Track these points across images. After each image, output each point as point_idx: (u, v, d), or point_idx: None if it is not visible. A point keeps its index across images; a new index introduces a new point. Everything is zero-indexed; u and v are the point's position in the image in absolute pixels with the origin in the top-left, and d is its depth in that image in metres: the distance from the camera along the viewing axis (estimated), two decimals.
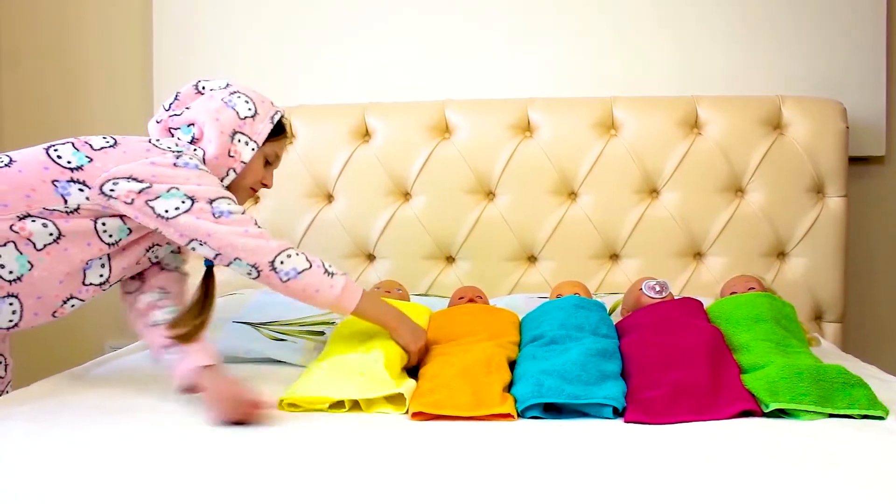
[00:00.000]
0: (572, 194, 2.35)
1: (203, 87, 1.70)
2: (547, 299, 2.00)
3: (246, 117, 1.64)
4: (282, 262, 1.53)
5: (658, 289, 1.88)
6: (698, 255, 2.33)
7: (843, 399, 1.42)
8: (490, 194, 2.38)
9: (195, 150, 1.62)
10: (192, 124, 1.64)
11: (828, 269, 2.26)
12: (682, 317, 1.73)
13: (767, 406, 1.41)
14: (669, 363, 1.55)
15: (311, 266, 1.55)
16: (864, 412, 1.40)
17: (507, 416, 1.44)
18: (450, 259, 2.41)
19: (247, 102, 1.66)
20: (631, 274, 2.30)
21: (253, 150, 1.64)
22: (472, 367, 1.56)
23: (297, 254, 1.56)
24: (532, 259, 2.38)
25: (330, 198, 2.42)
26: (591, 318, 1.76)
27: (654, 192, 2.33)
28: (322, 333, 1.97)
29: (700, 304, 1.84)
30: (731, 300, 1.81)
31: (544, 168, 2.33)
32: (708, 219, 2.29)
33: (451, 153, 2.36)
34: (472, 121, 2.37)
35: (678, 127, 2.29)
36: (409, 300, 2.03)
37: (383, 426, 1.42)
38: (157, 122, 1.69)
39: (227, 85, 1.69)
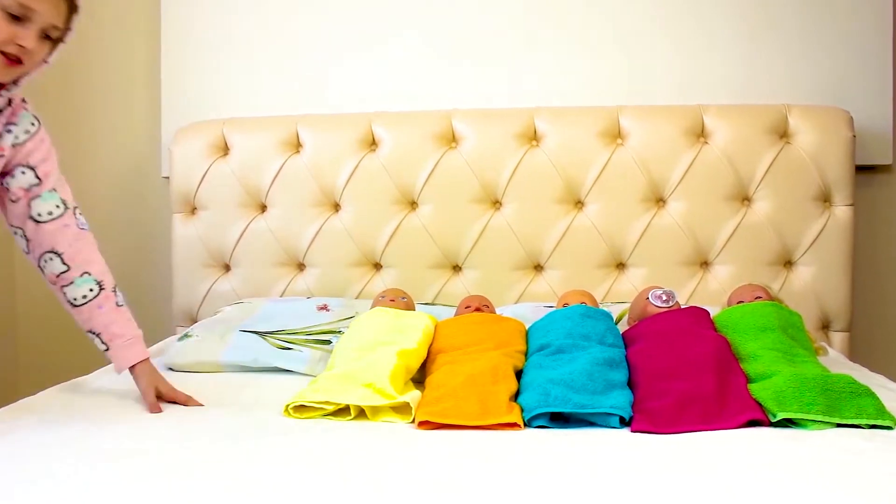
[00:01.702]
0: (579, 203, 2.35)
1: None
2: (554, 309, 1.99)
3: None
4: None
5: (665, 298, 1.87)
6: (705, 263, 2.33)
7: (851, 409, 1.41)
8: (497, 203, 2.38)
9: None
10: None
11: (835, 277, 2.25)
12: (688, 326, 1.73)
13: (775, 416, 1.41)
14: (676, 372, 1.55)
15: None
16: (871, 422, 1.39)
17: (513, 425, 1.44)
18: (456, 268, 2.41)
19: None
20: (637, 283, 2.30)
21: None
22: (478, 377, 1.56)
23: None
24: (538, 268, 2.38)
25: (337, 207, 2.43)
26: (598, 327, 1.76)
27: (660, 200, 2.33)
28: (328, 342, 1.98)
29: (706, 313, 1.83)
30: (737, 309, 1.81)
31: (551, 177, 2.33)
32: (714, 227, 2.29)
33: (458, 162, 2.37)
34: (478, 130, 2.37)
35: (685, 136, 2.30)
36: (414, 308, 2.03)
37: (389, 434, 1.42)
38: None
39: None
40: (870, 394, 1.45)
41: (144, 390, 1.62)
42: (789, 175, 2.25)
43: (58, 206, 1.61)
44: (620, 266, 2.36)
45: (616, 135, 2.34)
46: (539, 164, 2.34)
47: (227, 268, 2.48)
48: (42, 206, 1.59)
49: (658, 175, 2.30)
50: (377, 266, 2.43)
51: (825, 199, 2.26)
